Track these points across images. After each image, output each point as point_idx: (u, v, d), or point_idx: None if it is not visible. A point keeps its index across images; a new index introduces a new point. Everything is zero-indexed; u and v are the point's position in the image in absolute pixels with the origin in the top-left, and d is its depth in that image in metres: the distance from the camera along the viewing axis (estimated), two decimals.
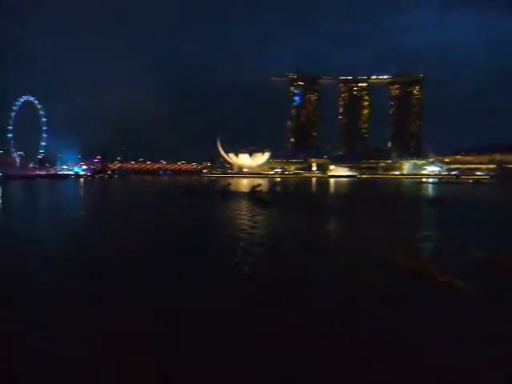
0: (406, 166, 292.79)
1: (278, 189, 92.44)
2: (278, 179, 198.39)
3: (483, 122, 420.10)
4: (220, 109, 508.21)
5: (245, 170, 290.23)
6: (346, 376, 9.09)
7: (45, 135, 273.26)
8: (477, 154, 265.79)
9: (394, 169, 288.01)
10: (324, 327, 11.72)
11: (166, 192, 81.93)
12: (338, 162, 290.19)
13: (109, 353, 10.01)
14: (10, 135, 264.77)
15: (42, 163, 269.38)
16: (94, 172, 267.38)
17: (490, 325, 11.80)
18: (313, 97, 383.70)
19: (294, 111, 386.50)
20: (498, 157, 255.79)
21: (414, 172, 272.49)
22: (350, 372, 9.23)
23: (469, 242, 24.20)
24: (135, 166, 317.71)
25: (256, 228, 31.58)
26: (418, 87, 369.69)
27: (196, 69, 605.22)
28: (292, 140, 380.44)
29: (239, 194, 73.29)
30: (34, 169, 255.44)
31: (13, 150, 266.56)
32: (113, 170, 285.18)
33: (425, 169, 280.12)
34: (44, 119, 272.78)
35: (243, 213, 42.86)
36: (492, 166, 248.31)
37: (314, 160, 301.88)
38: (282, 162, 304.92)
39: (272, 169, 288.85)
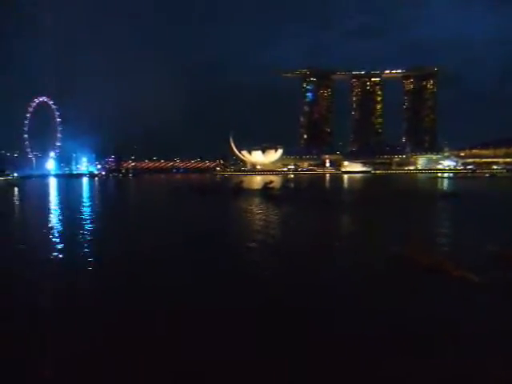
0: (421, 161, 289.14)
1: (291, 185, 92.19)
2: (292, 176, 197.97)
3: (499, 115, 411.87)
4: (232, 106, 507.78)
5: (258, 167, 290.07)
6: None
7: (59, 135, 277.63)
8: (493, 147, 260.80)
9: (409, 164, 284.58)
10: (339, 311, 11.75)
11: (178, 190, 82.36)
12: (352, 157, 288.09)
13: None
14: (25, 136, 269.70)
15: (56, 163, 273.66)
16: (109, 171, 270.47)
17: (502, 319, 11.64)
18: (325, 92, 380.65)
19: (306, 107, 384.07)
20: None
21: (429, 167, 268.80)
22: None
23: (484, 236, 23.84)
24: (149, 165, 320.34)
25: (267, 225, 31.58)
26: (432, 81, 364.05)
27: (208, 66, 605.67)
28: (305, 136, 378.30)
29: (252, 192, 73.21)
30: (49, 169, 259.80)
31: (28, 150, 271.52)
32: (127, 169, 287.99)
33: (440, 163, 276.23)
34: (59, 119, 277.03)
35: (254, 210, 42.90)
36: (509, 160, 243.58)
37: (327, 156, 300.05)
38: (295, 158, 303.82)
39: (285, 165, 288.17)
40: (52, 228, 31.40)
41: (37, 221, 36.77)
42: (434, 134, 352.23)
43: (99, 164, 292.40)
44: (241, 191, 72.67)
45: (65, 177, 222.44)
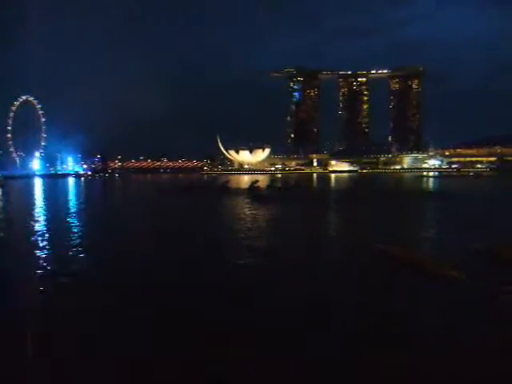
0: (407, 160, 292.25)
1: (278, 184, 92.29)
2: (279, 175, 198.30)
3: (483, 114, 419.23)
4: (219, 105, 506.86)
5: (245, 166, 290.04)
6: None
7: (44, 135, 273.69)
8: (477, 146, 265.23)
9: (395, 163, 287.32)
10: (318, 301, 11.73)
11: (164, 190, 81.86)
12: (339, 157, 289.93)
13: None
14: (9, 135, 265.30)
15: (41, 163, 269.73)
16: (95, 171, 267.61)
17: (478, 313, 11.73)
18: (312, 92, 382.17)
19: (293, 107, 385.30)
20: (498, 149, 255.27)
21: (415, 166, 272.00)
22: None
23: (468, 233, 24.14)
24: (136, 165, 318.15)
25: (251, 223, 31.52)
26: (417, 81, 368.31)
27: (195, 66, 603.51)
28: (292, 136, 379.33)
29: (238, 191, 73.29)
30: (34, 169, 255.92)
31: (12, 150, 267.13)
32: (113, 169, 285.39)
33: (425, 162, 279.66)
34: (43, 119, 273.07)
35: (238, 209, 42.85)
36: (492, 159, 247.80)
37: (314, 155, 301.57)
38: (282, 157, 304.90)
39: (273, 165, 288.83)
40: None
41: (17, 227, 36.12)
42: (419, 133, 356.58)
43: (85, 164, 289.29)
44: (227, 190, 72.64)
45: (50, 177, 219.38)
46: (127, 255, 20.82)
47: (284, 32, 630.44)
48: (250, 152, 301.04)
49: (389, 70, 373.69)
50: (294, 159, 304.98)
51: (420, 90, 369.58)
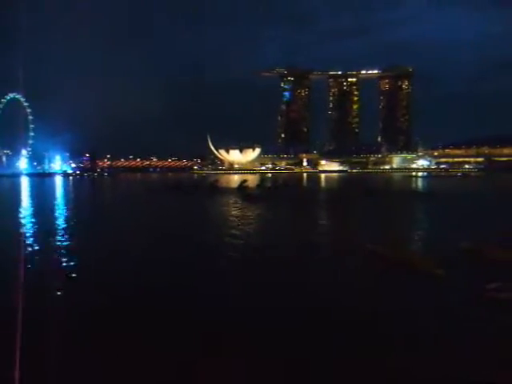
0: (396, 160, 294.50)
1: (268, 184, 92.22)
2: (269, 175, 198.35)
3: (471, 115, 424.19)
4: (210, 105, 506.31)
5: (236, 166, 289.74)
6: None
7: (32, 133, 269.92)
8: (465, 147, 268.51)
9: (384, 163, 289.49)
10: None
11: (153, 189, 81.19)
12: (329, 157, 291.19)
13: None
14: None
15: (29, 162, 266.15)
16: (83, 170, 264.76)
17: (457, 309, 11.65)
18: (303, 92, 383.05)
19: (284, 106, 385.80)
20: (485, 150, 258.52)
21: (404, 166, 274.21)
22: None
23: (455, 232, 24.15)
24: (125, 164, 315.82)
25: (238, 221, 31.27)
26: (407, 81, 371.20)
27: (186, 65, 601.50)
28: (283, 135, 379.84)
29: (227, 190, 73.12)
30: (21, 168, 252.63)
31: None
32: (102, 168, 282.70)
33: (414, 163, 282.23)
34: (31, 117, 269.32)
35: (226, 207, 42.63)
36: (480, 160, 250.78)
37: (304, 155, 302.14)
38: (272, 157, 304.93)
39: (263, 164, 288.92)
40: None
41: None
42: (408, 133, 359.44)
43: (73, 163, 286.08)
44: (216, 190, 72.37)
45: (37, 176, 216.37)
46: (112, 258, 20.37)
47: (276, 32, 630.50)
48: (241, 151, 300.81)
49: (379, 70, 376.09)
50: (284, 159, 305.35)
51: (410, 90, 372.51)
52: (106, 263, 18.53)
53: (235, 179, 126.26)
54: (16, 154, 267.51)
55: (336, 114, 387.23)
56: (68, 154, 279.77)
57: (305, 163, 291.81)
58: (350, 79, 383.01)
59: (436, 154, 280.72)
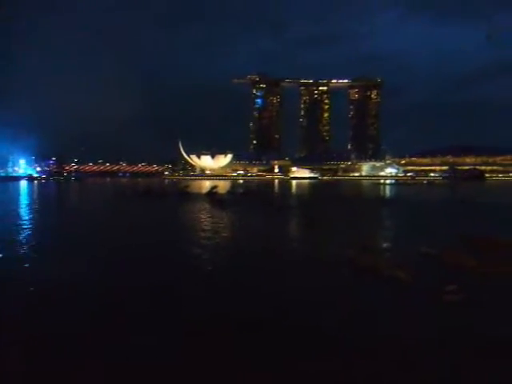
0: (365, 168, 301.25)
1: (239, 190, 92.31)
2: (241, 181, 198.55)
3: (437, 125, 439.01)
4: (182, 110, 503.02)
5: (207, 172, 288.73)
6: None
7: None
8: (430, 156, 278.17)
9: (354, 170, 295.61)
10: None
11: (122, 194, 79.73)
12: (300, 163, 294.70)
13: None
14: None
15: None
16: (50, 174, 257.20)
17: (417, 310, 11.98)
18: (275, 99, 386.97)
19: (256, 113, 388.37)
20: (449, 159, 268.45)
21: (373, 173, 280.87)
22: None
23: (418, 237, 24.79)
24: (93, 168, 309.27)
25: (206, 226, 31.08)
26: (375, 91, 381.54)
27: (157, 70, 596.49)
28: (254, 142, 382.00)
29: (198, 196, 72.80)
30: None
31: None
32: (69, 172, 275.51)
33: (383, 170, 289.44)
34: None
35: (195, 213, 42.40)
36: (444, 168, 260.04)
37: (276, 162, 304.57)
38: (244, 163, 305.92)
39: (234, 171, 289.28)
40: None
41: None
42: (377, 142, 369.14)
43: (39, 166, 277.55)
44: (186, 195, 71.97)
45: (0, 180, 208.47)
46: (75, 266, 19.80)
47: (248, 39, 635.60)
48: (212, 157, 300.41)
49: (349, 80, 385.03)
50: (256, 165, 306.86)
51: (379, 100, 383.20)
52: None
53: (206, 185, 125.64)
54: None
55: (307, 122, 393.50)
56: (34, 158, 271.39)
57: (276, 170, 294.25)
58: (320, 88, 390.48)
59: (403, 162, 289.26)
